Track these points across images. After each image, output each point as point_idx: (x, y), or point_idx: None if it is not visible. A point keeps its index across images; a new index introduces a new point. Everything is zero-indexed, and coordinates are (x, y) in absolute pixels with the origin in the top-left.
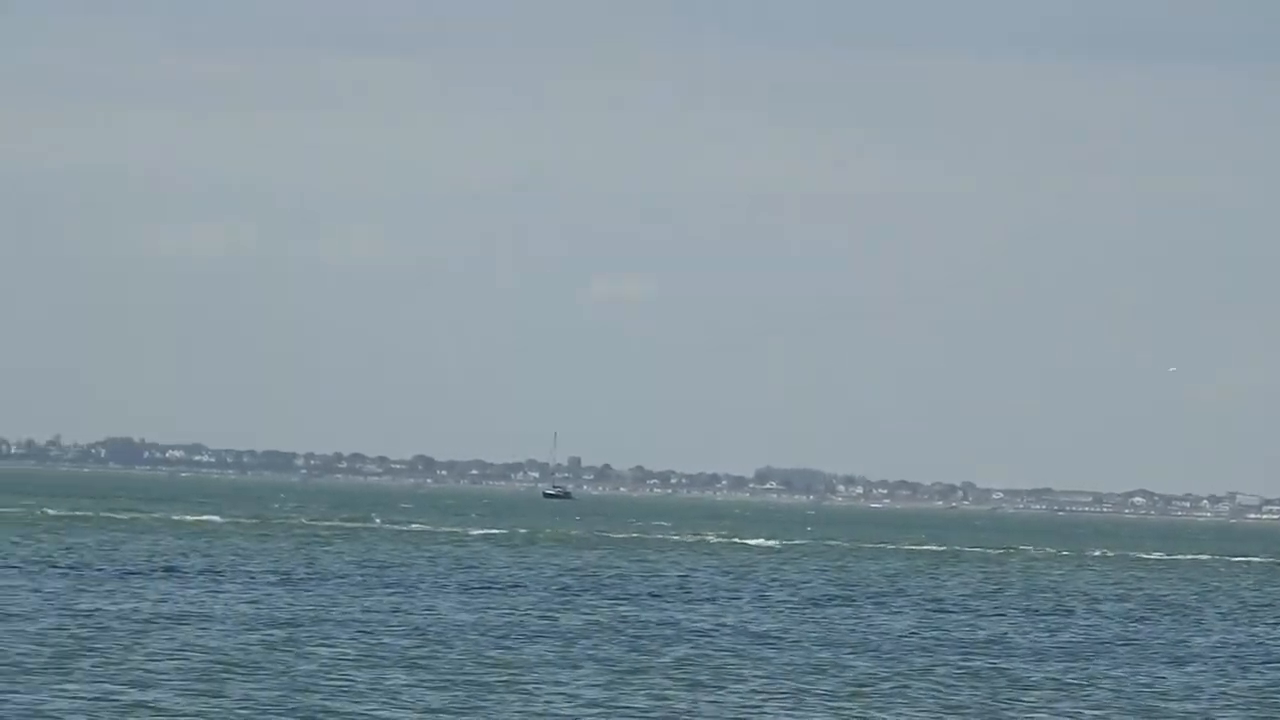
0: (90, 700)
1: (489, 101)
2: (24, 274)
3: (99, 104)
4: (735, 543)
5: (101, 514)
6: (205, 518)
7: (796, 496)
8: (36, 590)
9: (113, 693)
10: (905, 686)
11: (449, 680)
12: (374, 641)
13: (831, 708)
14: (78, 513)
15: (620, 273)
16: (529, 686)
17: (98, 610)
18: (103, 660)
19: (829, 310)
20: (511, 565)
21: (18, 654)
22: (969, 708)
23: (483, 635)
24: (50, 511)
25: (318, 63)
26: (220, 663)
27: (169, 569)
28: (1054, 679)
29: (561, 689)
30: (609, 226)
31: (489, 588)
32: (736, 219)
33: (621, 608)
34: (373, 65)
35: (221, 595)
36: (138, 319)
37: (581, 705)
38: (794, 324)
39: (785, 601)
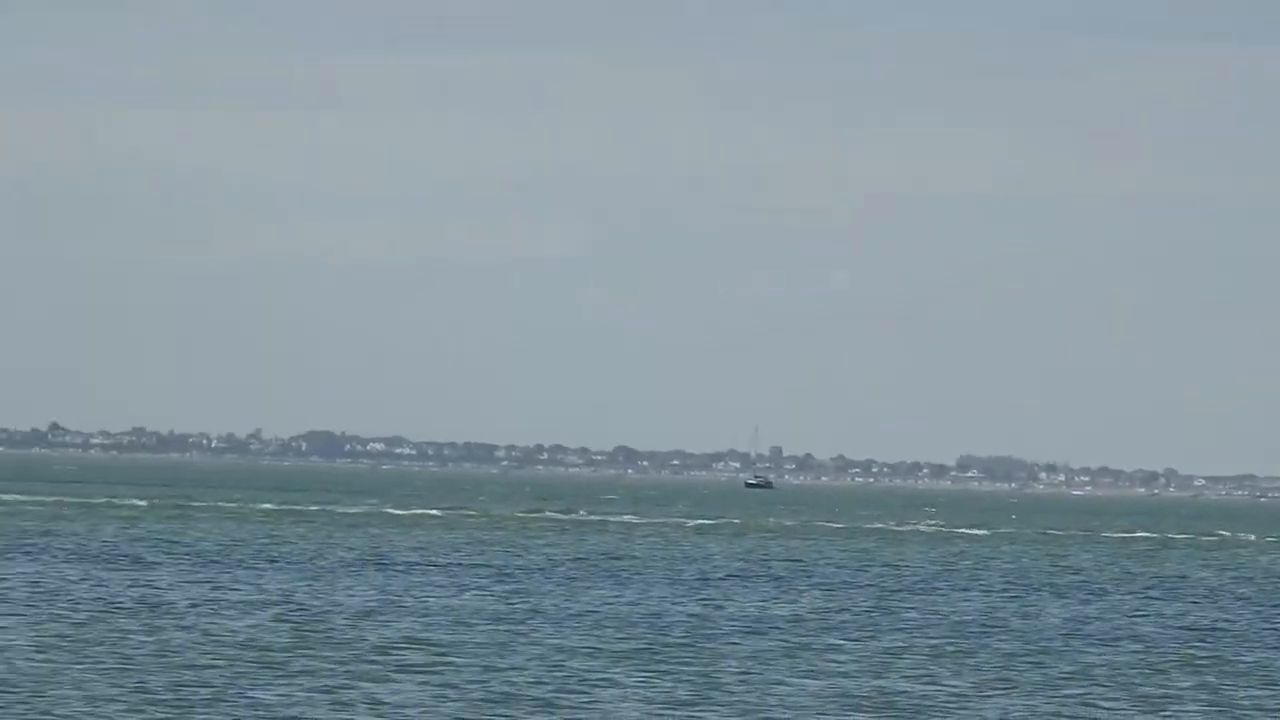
0: (310, 692)
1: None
2: (211, 270)
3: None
4: (946, 531)
5: (310, 507)
6: (417, 511)
7: (998, 484)
8: (254, 584)
9: (334, 686)
10: (1120, 673)
11: (674, 671)
12: (597, 634)
13: (1048, 696)
14: (288, 506)
15: (822, 266)
16: (752, 678)
17: (316, 604)
18: (324, 654)
19: (1031, 298)
20: (727, 556)
21: (240, 646)
22: (1184, 697)
23: (704, 627)
24: (262, 506)
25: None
26: (444, 656)
27: (383, 562)
28: (1272, 665)
29: (783, 679)
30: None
31: (705, 579)
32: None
33: (838, 598)
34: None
35: (438, 589)
36: (328, 315)
37: (807, 696)
38: (990, 312)
39: (999, 589)
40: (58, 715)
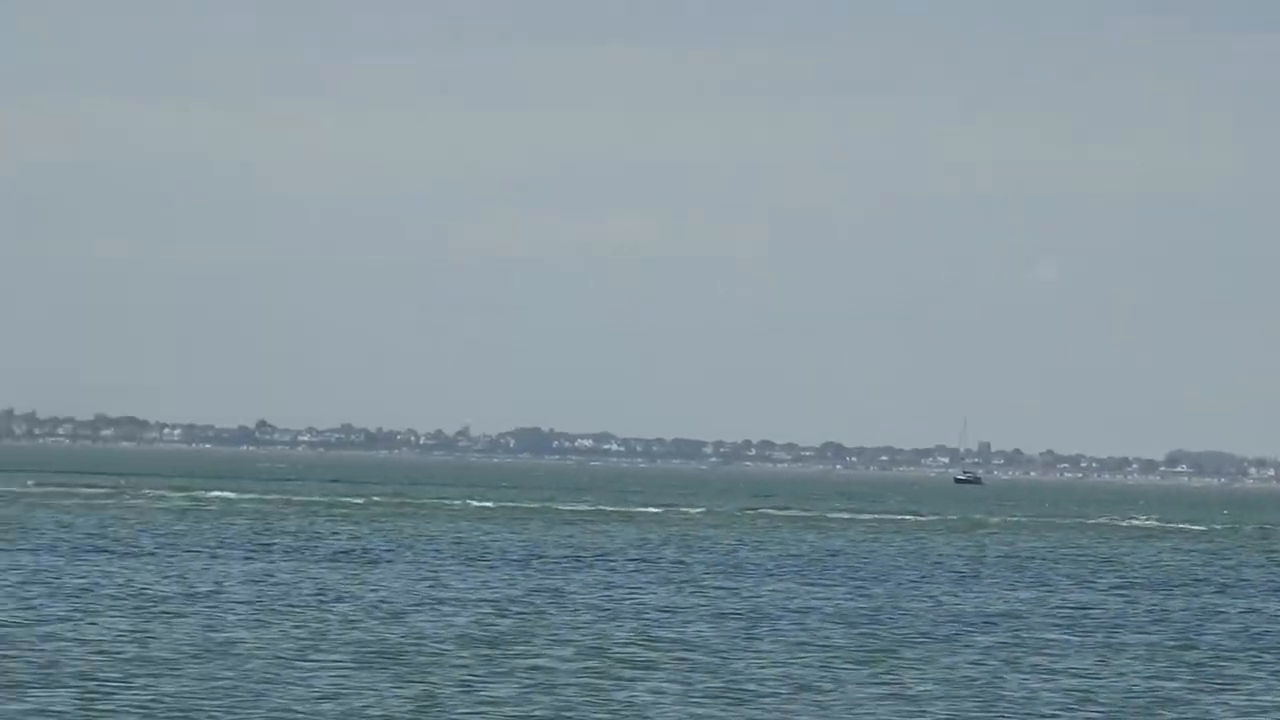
0: (536, 690)
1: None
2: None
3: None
4: (1161, 527)
5: (527, 504)
6: (636, 508)
7: (1207, 479)
8: (476, 581)
9: (557, 684)
10: None
11: (902, 667)
12: (824, 631)
13: (1274, 693)
14: (505, 504)
15: (1025, 258)
16: (979, 674)
17: (538, 601)
18: (549, 652)
19: (1237, 291)
20: (946, 552)
21: (464, 643)
22: None
23: (930, 623)
24: (482, 504)
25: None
26: (670, 653)
27: (605, 559)
28: None
29: (1009, 676)
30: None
31: (925, 575)
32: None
33: (1058, 593)
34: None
35: (661, 585)
36: (541, 312)
37: (1029, 692)
38: (1202, 305)
39: (1217, 584)
40: (287, 714)
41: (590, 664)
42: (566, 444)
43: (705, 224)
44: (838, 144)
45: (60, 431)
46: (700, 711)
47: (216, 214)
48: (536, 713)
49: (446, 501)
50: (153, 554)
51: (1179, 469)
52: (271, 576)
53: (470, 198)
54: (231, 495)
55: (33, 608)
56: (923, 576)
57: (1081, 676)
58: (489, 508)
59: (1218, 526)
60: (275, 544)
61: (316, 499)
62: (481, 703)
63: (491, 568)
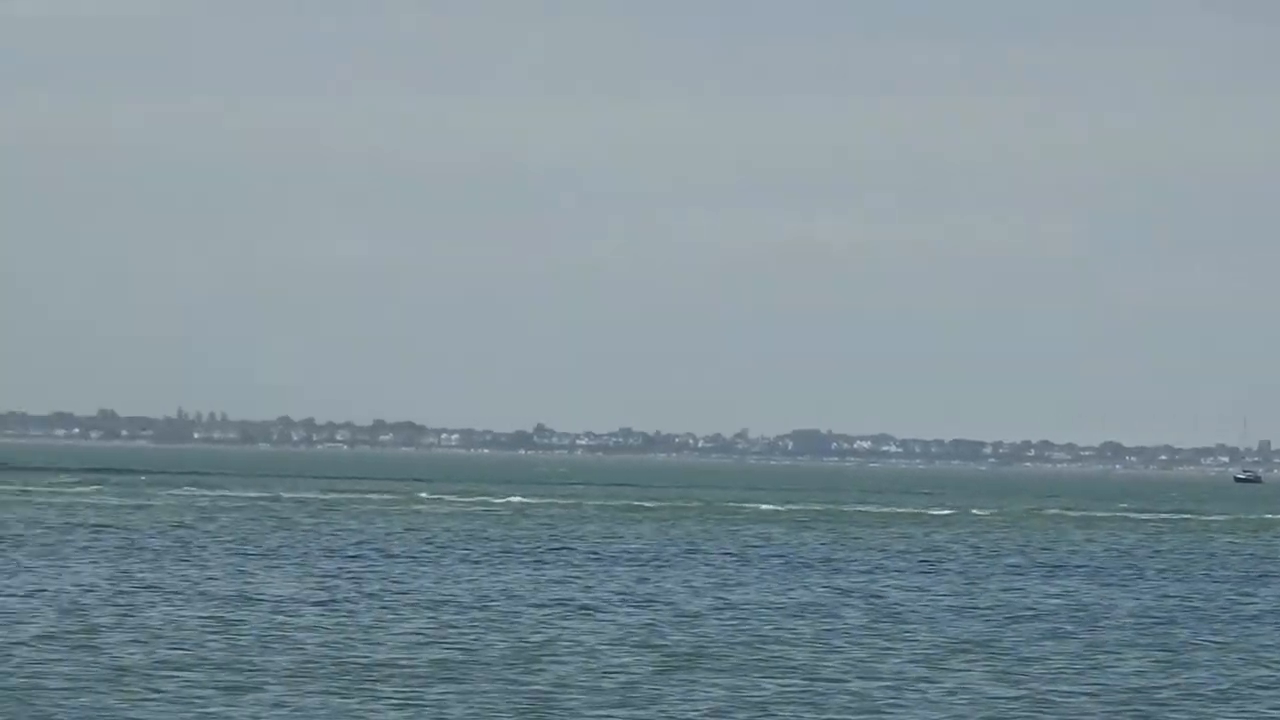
0: (823, 693)
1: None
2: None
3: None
4: None
5: (806, 507)
6: (925, 510)
7: None
8: (759, 582)
9: (851, 687)
10: None
11: (1199, 667)
12: (1116, 631)
13: None
14: (789, 506)
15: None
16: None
17: (841, 602)
18: (846, 655)
19: None
20: (1242, 552)
21: (751, 642)
22: None
23: (1230, 624)
24: (763, 507)
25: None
26: (971, 655)
27: (895, 558)
28: None
29: None
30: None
31: (1223, 574)
32: None
33: None
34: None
35: (958, 586)
36: (815, 312)
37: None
38: None
39: None
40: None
41: (886, 665)
42: (845, 445)
43: (1000, 225)
44: (1124, 144)
45: (338, 437)
46: (998, 713)
47: (501, 221)
48: (835, 715)
49: (736, 505)
50: (442, 560)
51: None
52: (566, 582)
53: (714, 195)
54: (526, 500)
55: (344, 613)
56: (1213, 577)
57: None
58: (778, 510)
59: None
60: (572, 548)
61: (608, 503)
62: (777, 704)
63: (783, 571)
